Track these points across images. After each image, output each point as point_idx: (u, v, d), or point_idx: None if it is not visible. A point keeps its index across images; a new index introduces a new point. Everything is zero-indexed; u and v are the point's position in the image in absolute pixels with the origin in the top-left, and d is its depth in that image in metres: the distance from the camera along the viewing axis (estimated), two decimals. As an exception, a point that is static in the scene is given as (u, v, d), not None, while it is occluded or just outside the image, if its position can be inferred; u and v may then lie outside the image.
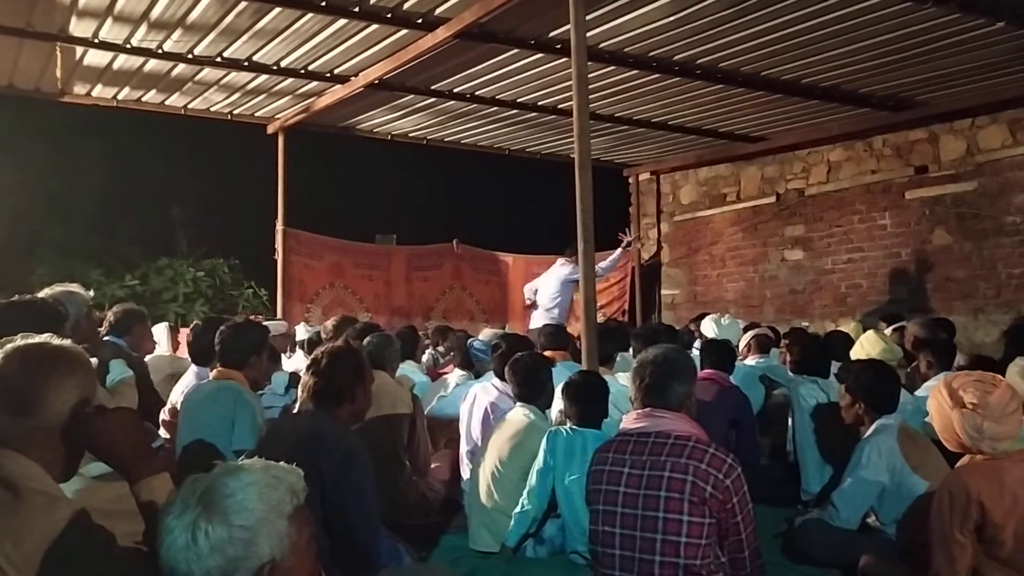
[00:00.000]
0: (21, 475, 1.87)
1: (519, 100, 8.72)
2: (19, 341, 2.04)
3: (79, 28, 6.68)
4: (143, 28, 6.65)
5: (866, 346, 5.90)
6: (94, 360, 4.16)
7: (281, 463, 1.71)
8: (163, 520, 1.60)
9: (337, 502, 2.90)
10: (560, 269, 9.07)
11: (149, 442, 2.14)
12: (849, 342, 6.19)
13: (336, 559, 2.81)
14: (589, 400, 4.08)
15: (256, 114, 9.23)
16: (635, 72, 7.71)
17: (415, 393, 5.34)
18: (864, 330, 6.86)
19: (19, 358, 1.99)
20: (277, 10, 6.32)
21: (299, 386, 3.46)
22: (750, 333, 6.88)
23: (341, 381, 3.30)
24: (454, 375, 6.10)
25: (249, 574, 1.57)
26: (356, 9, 6.32)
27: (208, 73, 7.76)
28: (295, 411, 3.97)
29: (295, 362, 6.65)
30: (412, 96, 8.51)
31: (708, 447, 2.81)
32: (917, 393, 5.24)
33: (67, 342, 2.10)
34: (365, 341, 5.08)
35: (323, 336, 6.24)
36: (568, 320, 8.93)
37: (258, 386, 4.36)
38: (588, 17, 5.66)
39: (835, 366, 5.25)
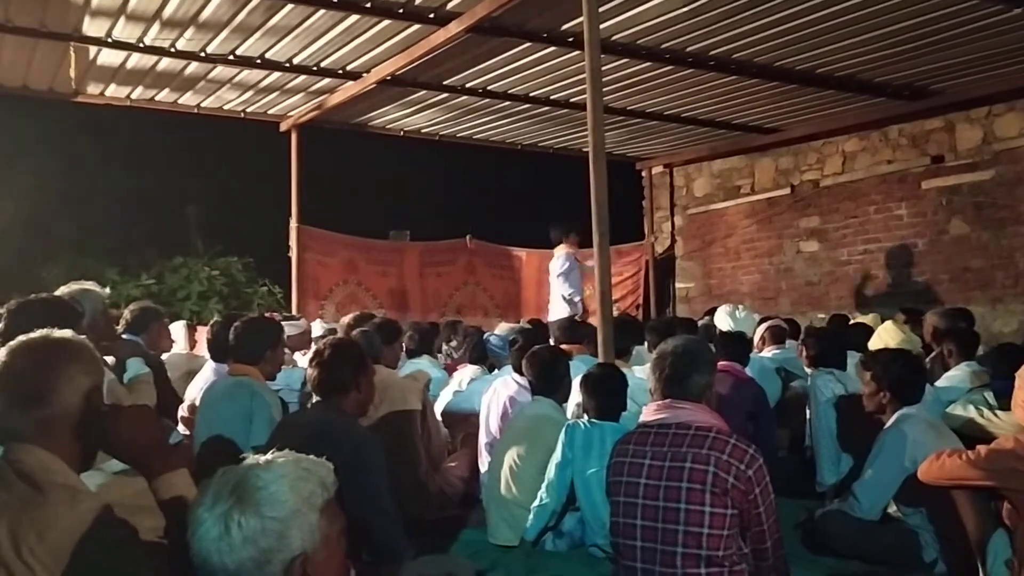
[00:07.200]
0: (41, 468, 1.88)
1: (532, 94, 8.69)
2: (21, 337, 2.05)
3: (92, 28, 6.70)
4: (156, 27, 6.66)
5: (884, 337, 5.86)
6: (111, 358, 4.22)
7: (311, 456, 1.70)
8: (194, 511, 1.60)
9: (351, 495, 2.91)
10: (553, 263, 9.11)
11: (167, 438, 2.14)
12: (869, 333, 6.16)
13: (358, 553, 2.81)
14: (608, 393, 4.07)
15: (269, 112, 9.25)
16: (648, 64, 7.67)
17: (429, 387, 5.34)
18: (882, 321, 6.82)
19: (24, 351, 2.01)
20: (289, 7, 6.32)
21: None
22: (764, 325, 6.85)
23: (345, 371, 3.39)
24: (467, 370, 6.09)
25: (281, 566, 1.57)
26: (368, 5, 6.31)
27: (221, 71, 7.77)
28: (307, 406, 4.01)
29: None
30: (424, 92, 8.50)
31: (729, 438, 2.80)
32: (938, 383, 5.21)
33: (68, 333, 2.11)
34: None
35: (340, 333, 6.22)
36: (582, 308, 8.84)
37: (273, 380, 4.37)
38: (601, 9, 5.63)
39: (855, 357, 5.23)
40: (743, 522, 2.78)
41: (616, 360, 4.94)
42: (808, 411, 5.27)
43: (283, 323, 5.53)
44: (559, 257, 9.00)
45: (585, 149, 5.28)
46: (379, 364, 4.87)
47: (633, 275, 11.93)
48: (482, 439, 5.07)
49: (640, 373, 4.98)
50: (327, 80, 8.09)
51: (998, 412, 4.34)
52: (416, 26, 6.66)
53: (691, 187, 11.94)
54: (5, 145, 10.27)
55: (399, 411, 4.62)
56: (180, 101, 8.71)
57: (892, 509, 3.92)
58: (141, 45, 7.05)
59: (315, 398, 3.52)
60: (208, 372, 5.04)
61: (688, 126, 10.09)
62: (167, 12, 6.39)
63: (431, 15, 6.48)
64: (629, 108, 9.23)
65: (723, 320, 7.18)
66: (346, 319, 6.82)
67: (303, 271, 9.73)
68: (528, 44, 7.12)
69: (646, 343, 6.21)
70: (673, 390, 2.93)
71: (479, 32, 6.61)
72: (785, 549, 2.96)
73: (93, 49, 7.12)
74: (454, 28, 6.35)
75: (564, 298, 8.80)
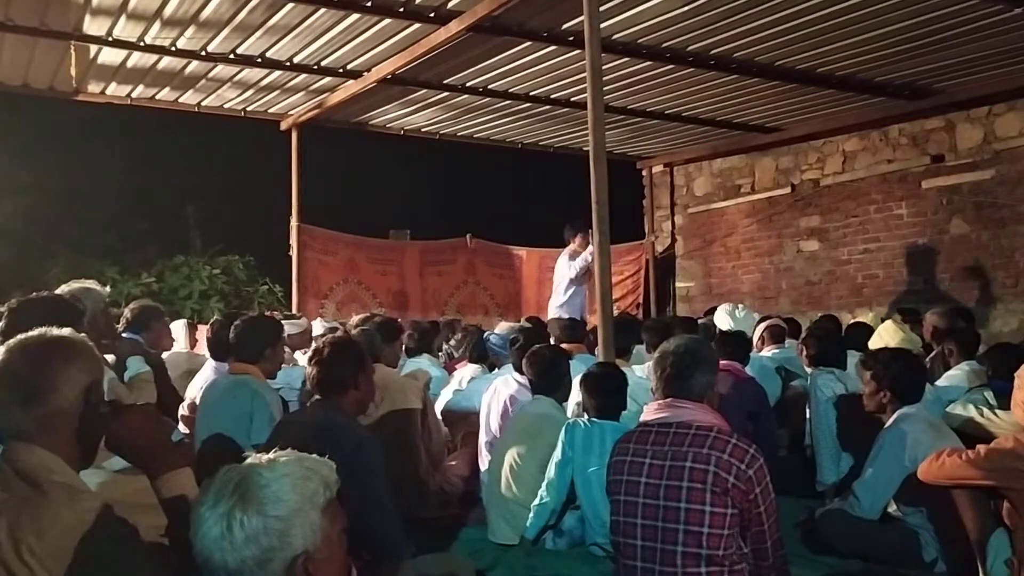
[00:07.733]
0: (41, 467, 1.88)
1: (532, 93, 8.69)
2: (19, 335, 2.05)
3: (93, 26, 6.70)
4: (156, 25, 6.66)
5: (885, 336, 5.86)
6: (111, 357, 4.22)
7: (313, 455, 1.71)
8: (197, 510, 1.60)
9: (351, 494, 2.92)
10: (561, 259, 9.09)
11: (168, 436, 2.14)
12: (869, 333, 6.16)
13: (358, 552, 2.81)
14: (608, 392, 4.08)
15: (269, 111, 9.24)
16: (648, 63, 7.66)
17: (429, 386, 5.34)
18: (882, 320, 6.82)
19: (22, 350, 2.01)
20: (290, 6, 6.32)
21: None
22: (763, 324, 6.84)
23: (344, 369, 3.39)
24: (468, 369, 6.09)
25: (283, 565, 1.57)
26: (369, 4, 6.31)
27: (221, 70, 7.77)
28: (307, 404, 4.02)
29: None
30: (425, 91, 8.49)
31: (730, 437, 2.80)
32: (938, 383, 5.21)
33: (67, 331, 2.10)
34: None
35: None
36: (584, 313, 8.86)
37: (273, 378, 4.38)
38: (601, 8, 5.63)
39: (855, 356, 5.22)
40: (743, 521, 2.78)
41: (616, 359, 4.94)
42: (808, 410, 5.26)
43: (283, 322, 5.53)
44: (583, 253, 8.76)
45: (585, 148, 5.28)
46: (379, 363, 4.88)
47: (633, 274, 11.92)
48: (482, 438, 5.07)
49: (640, 372, 4.99)
50: (328, 79, 8.09)
51: (998, 411, 4.34)
52: (416, 25, 6.66)
53: (691, 186, 11.93)
54: (5, 143, 10.28)
55: (399, 410, 4.62)
56: (181, 100, 8.70)
57: (892, 508, 3.92)
58: (142, 44, 7.05)
59: (315, 396, 3.53)
60: (208, 371, 5.04)
61: (688, 125, 10.08)
62: (168, 11, 6.39)
63: (431, 14, 6.48)
64: (630, 107, 9.22)
65: (723, 319, 7.17)
66: (354, 320, 6.81)
67: (303, 270, 9.74)
68: (529, 43, 7.12)
69: (644, 343, 6.20)
70: (675, 389, 2.92)
71: (479, 31, 6.61)
72: (785, 548, 2.96)
73: (94, 48, 7.11)
74: (455, 27, 6.35)
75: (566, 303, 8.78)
